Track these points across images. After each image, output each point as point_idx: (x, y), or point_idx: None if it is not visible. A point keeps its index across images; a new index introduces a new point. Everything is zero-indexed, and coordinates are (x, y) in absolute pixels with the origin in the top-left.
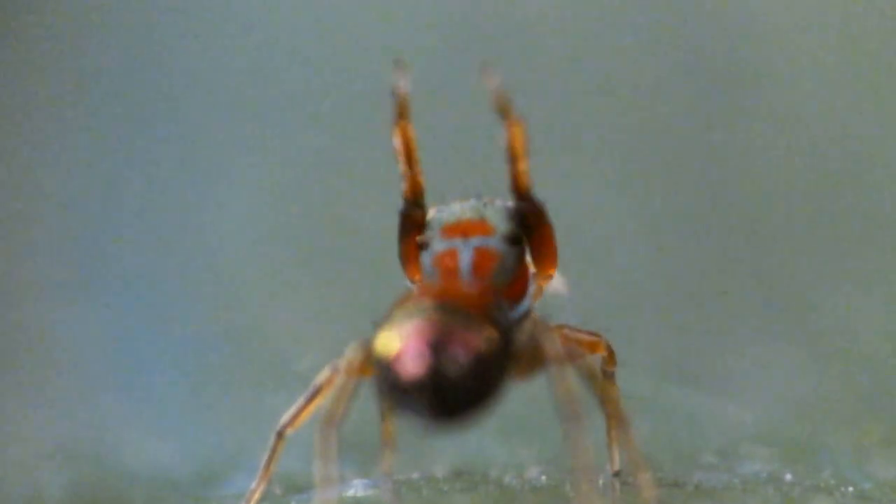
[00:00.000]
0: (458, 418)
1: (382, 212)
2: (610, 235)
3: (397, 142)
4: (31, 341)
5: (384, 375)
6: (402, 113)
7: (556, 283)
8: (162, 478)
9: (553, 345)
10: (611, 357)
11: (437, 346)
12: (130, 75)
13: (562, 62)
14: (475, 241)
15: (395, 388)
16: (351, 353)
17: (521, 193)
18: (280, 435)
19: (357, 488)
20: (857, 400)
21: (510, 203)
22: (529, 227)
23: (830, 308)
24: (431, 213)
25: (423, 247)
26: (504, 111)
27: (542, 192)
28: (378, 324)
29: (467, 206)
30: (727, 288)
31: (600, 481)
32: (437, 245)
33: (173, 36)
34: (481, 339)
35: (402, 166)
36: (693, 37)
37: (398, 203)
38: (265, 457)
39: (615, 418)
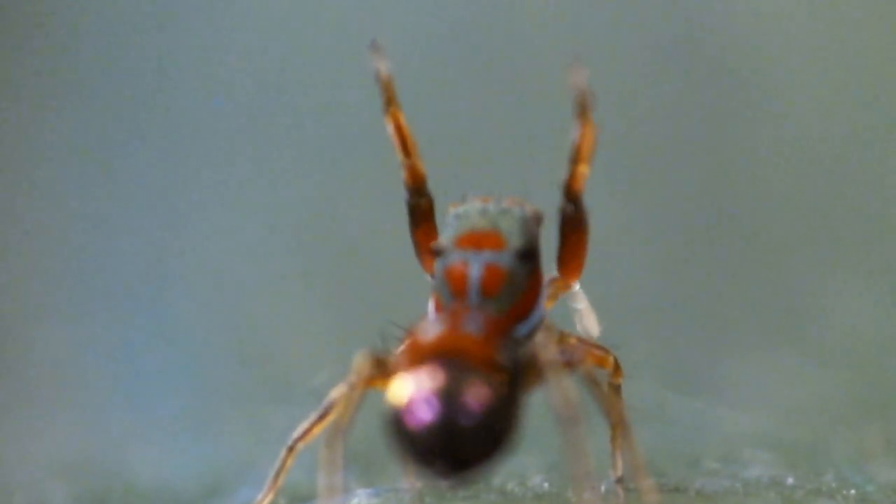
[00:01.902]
0: (474, 468)
1: (393, 227)
2: (610, 241)
3: (390, 129)
4: (37, 357)
5: (394, 430)
6: (389, 99)
7: (588, 322)
8: (168, 492)
9: (547, 351)
10: (617, 368)
11: (447, 400)
12: (134, 89)
13: (563, 65)
14: (486, 255)
15: (405, 444)
16: (358, 364)
17: (573, 195)
18: (291, 449)
19: (361, 498)
20: (858, 403)
21: (528, 207)
22: (567, 231)
23: (831, 312)
24: (450, 214)
25: (437, 253)
26: (583, 110)
27: (542, 196)
28: (382, 342)
29: (483, 212)
30: (727, 293)
31: (602, 487)
32: (450, 256)
33: (176, 48)
34: (490, 388)
35: (398, 155)
36: (696, 40)
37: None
38: (273, 470)
39: (620, 428)
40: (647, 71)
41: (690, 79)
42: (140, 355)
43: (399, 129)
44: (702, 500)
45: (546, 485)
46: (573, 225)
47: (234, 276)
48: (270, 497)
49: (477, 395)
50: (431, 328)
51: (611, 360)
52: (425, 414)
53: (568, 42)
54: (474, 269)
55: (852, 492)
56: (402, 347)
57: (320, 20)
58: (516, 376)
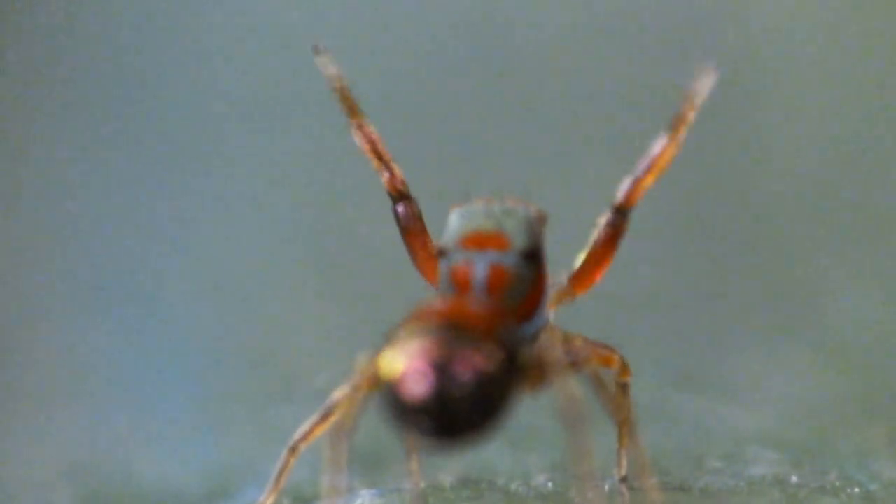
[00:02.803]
0: (463, 438)
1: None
2: None
3: (358, 141)
4: (41, 359)
5: (388, 395)
6: (351, 109)
7: None
8: (173, 493)
9: (552, 352)
10: (625, 367)
11: (441, 367)
12: (140, 88)
13: (567, 64)
14: (491, 255)
15: (398, 409)
16: (361, 364)
17: (628, 207)
18: (293, 450)
19: (364, 498)
20: (862, 401)
21: (532, 207)
22: (603, 241)
23: (835, 310)
24: (453, 214)
25: (441, 254)
26: (679, 124)
27: (544, 194)
28: (385, 339)
29: (487, 212)
30: (731, 291)
31: (606, 487)
32: (454, 256)
33: (188, 46)
34: (485, 358)
35: (375, 163)
36: (702, 36)
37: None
38: (276, 470)
39: (623, 422)
40: (651, 67)
41: (689, 77)
42: (145, 356)
43: (368, 139)
44: (706, 498)
45: (549, 484)
46: (612, 237)
47: (240, 277)
48: (273, 498)
49: (471, 361)
50: (432, 304)
51: (617, 358)
52: (420, 376)
53: (572, 44)
54: (479, 270)
55: (856, 490)
56: (400, 322)
57: (328, 20)
58: (513, 360)
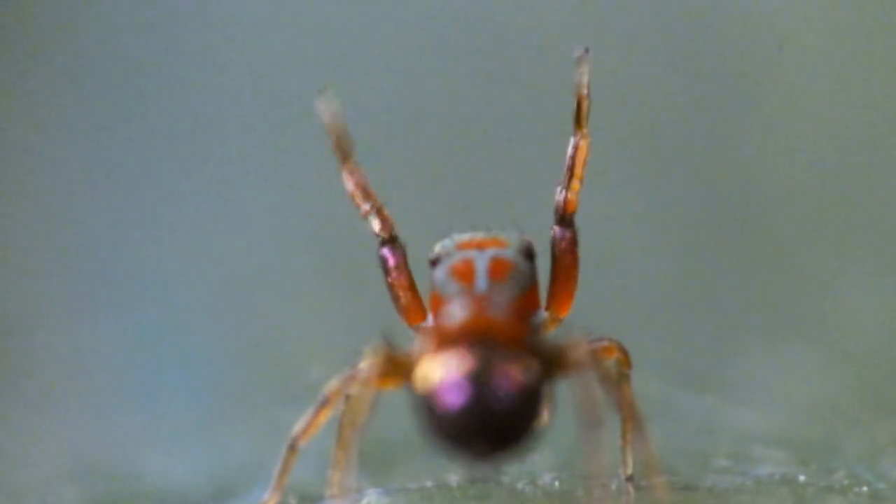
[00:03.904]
0: (510, 449)
1: (405, 228)
2: (619, 239)
3: (349, 186)
4: (46, 361)
5: (425, 408)
6: (345, 154)
7: None
8: (179, 493)
9: (578, 350)
10: (625, 358)
11: (481, 381)
12: (145, 87)
13: (568, 64)
14: (491, 251)
15: (445, 427)
16: (369, 360)
17: (569, 217)
18: (292, 447)
19: (371, 498)
20: (869, 400)
21: (520, 234)
22: (561, 258)
23: (842, 309)
24: (437, 246)
25: (435, 262)
26: (583, 119)
27: (541, 194)
28: (389, 340)
29: (476, 232)
30: (738, 291)
31: (613, 486)
32: (453, 256)
33: (194, 45)
34: (523, 370)
35: (362, 207)
36: (709, 36)
37: (376, 240)
38: (277, 468)
39: (631, 421)
40: (657, 69)
41: (703, 76)
42: (149, 358)
43: (359, 184)
44: (713, 497)
45: (556, 484)
46: (568, 251)
47: (246, 279)
48: (277, 497)
49: (511, 375)
50: (455, 314)
51: (615, 348)
52: (461, 395)
53: (574, 43)
54: (480, 262)
55: (864, 489)
56: (424, 335)
57: (333, 20)
58: (544, 363)
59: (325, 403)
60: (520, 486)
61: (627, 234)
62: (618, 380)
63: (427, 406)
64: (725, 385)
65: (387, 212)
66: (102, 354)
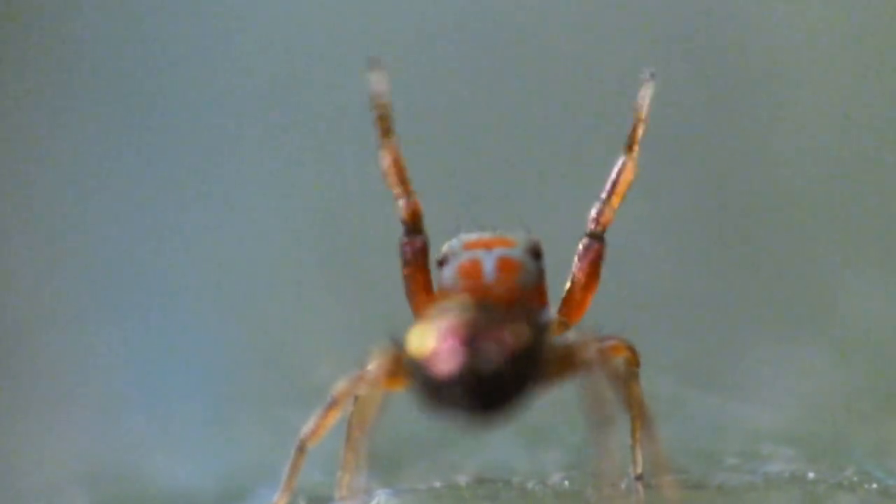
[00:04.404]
0: (494, 413)
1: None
2: (627, 237)
3: (386, 163)
4: (53, 362)
5: (419, 372)
6: (387, 129)
7: None
8: (187, 495)
9: (587, 349)
10: (634, 357)
11: (472, 341)
12: (148, 89)
13: (576, 64)
14: (498, 251)
15: (430, 384)
16: (377, 361)
17: (600, 230)
18: (301, 449)
19: (380, 498)
20: (879, 397)
21: (528, 234)
22: (586, 267)
23: (850, 305)
24: (445, 246)
25: (442, 262)
26: (633, 143)
27: (561, 194)
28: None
29: (484, 232)
30: (746, 288)
31: (623, 485)
32: (460, 255)
33: (200, 45)
34: (514, 334)
35: (395, 189)
36: (717, 38)
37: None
38: (286, 470)
39: (640, 419)
40: (667, 69)
41: (711, 77)
42: (157, 359)
43: (396, 163)
44: (723, 495)
45: (566, 483)
46: (594, 263)
47: (253, 280)
48: (286, 498)
49: (501, 336)
50: (455, 285)
51: (623, 346)
52: (452, 352)
53: (583, 44)
54: (488, 262)
55: (874, 486)
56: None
57: (340, 19)
58: (540, 338)
59: (333, 405)
60: (529, 485)
61: (636, 233)
62: (627, 378)
63: (418, 366)
64: (735, 383)
65: (418, 201)
66: (109, 356)
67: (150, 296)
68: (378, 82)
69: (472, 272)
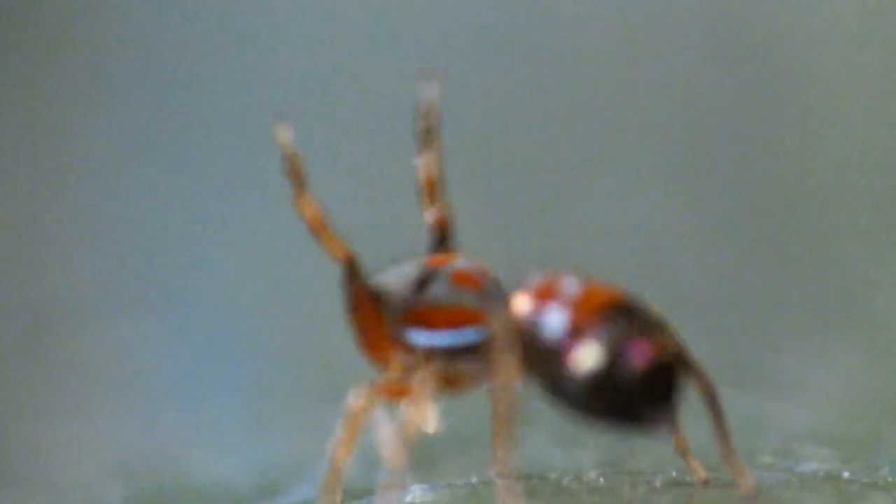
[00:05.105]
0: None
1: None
2: (660, 236)
3: (305, 218)
4: (90, 358)
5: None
6: (300, 184)
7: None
8: (223, 491)
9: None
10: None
11: (650, 344)
12: (188, 83)
13: (607, 62)
14: (458, 262)
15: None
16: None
17: (452, 234)
18: (334, 467)
19: (416, 494)
20: None
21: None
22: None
23: (886, 304)
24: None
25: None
26: (434, 134)
27: (591, 195)
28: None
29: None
30: (781, 286)
31: (658, 482)
32: (445, 270)
33: (230, 49)
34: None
35: (320, 243)
36: (754, 40)
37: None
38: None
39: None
40: (701, 69)
41: (745, 76)
42: (194, 355)
43: (315, 217)
44: (756, 494)
45: (601, 479)
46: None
47: (290, 275)
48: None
49: (667, 338)
50: (570, 284)
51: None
52: (639, 358)
53: (613, 42)
54: (468, 264)
55: None
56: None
57: (365, 30)
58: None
59: (352, 419)
60: (565, 481)
61: (670, 231)
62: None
63: (601, 379)
64: (769, 382)
65: (345, 243)
66: (146, 352)
67: (187, 292)
68: (282, 136)
69: (469, 276)
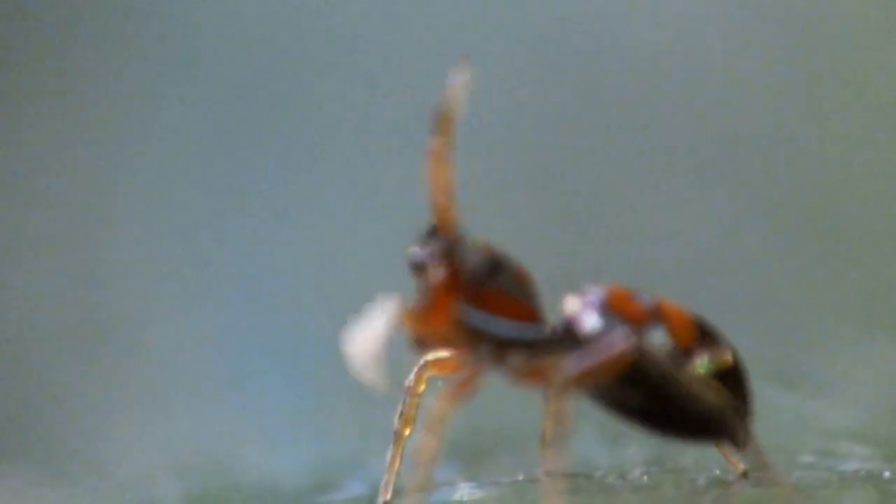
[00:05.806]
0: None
1: (488, 222)
2: (704, 236)
3: (432, 167)
4: (148, 357)
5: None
6: (445, 132)
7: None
8: (277, 487)
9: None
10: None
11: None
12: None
13: (649, 64)
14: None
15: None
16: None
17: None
18: (397, 437)
19: (463, 491)
20: None
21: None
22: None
23: None
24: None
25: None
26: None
27: (635, 196)
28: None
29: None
30: (824, 286)
31: (701, 480)
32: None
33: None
34: None
35: (437, 205)
36: (779, 35)
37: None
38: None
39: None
40: (733, 67)
41: (782, 74)
42: (249, 354)
43: (441, 175)
44: (798, 492)
45: (644, 478)
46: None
47: (348, 274)
48: (391, 486)
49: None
50: (642, 298)
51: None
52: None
53: (657, 42)
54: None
55: None
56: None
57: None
58: None
59: (411, 394)
60: (609, 480)
61: (716, 232)
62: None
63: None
64: (812, 381)
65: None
66: (204, 349)
67: (245, 290)
68: (460, 80)
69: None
